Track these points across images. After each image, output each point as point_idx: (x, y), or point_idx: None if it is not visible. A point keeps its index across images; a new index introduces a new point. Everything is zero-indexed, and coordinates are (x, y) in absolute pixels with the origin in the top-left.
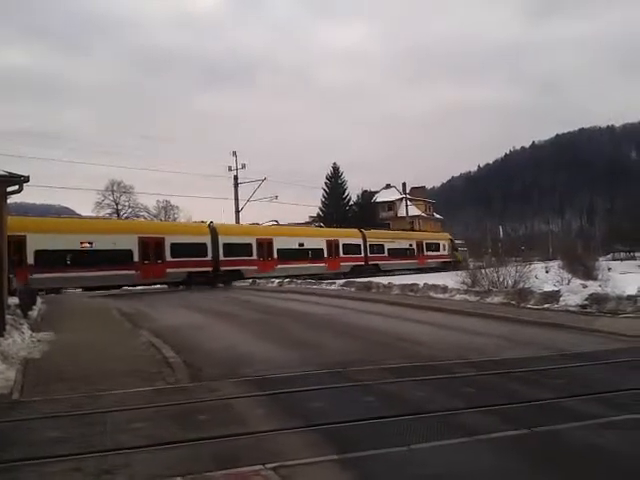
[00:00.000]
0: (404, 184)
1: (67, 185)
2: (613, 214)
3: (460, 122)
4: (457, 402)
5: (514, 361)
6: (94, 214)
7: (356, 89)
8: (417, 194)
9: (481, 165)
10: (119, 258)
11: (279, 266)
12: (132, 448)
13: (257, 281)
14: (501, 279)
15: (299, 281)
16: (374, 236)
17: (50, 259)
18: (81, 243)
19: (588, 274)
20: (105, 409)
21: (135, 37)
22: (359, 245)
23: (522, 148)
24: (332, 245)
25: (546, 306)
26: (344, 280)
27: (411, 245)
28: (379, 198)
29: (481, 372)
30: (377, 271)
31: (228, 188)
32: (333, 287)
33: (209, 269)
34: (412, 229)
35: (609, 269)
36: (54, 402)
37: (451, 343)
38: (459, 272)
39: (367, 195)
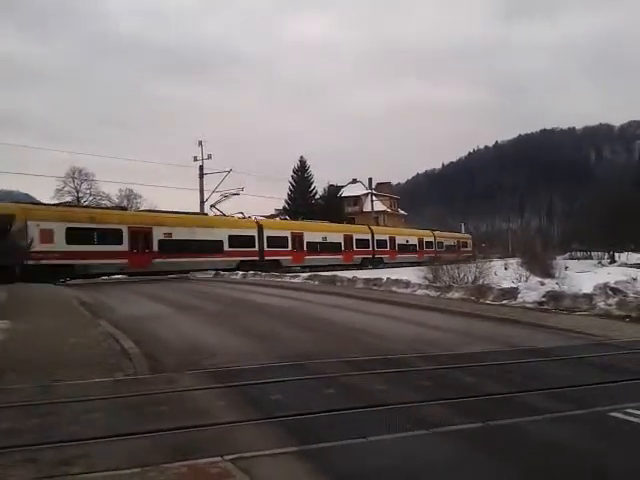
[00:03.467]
0: (370, 179)
1: (27, 171)
2: (572, 214)
3: (426, 120)
4: (415, 395)
5: (471, 355)
6: (55, 201)
7: (324, 83)
8: (383, 190)
9: (445, 163)
10: (214, 247)
11: (307, 257)
12: (90, 439)
13: (221, 273)
14: (462, 275)
15: (263, 274)
16: (380, 232)
17: (168, 247)
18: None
19: (546, 272)
20: (61, 400)
21: (94, 23)
22: (368, 240)
23: (486, 147)
24: (347, 239)
25: (504, 302)
26: (309, 273)
27: (408, 241)
28: (345, 193)
29: (439, 366)
30: (379, 263)
31: (193, 178)
32: (297, 280)
33: (256, 258)
34: (377, 224)
35: (566, 268)
36: (7, 392)
37: (411, 337)
38: (422, 267)
39: (333, 189)
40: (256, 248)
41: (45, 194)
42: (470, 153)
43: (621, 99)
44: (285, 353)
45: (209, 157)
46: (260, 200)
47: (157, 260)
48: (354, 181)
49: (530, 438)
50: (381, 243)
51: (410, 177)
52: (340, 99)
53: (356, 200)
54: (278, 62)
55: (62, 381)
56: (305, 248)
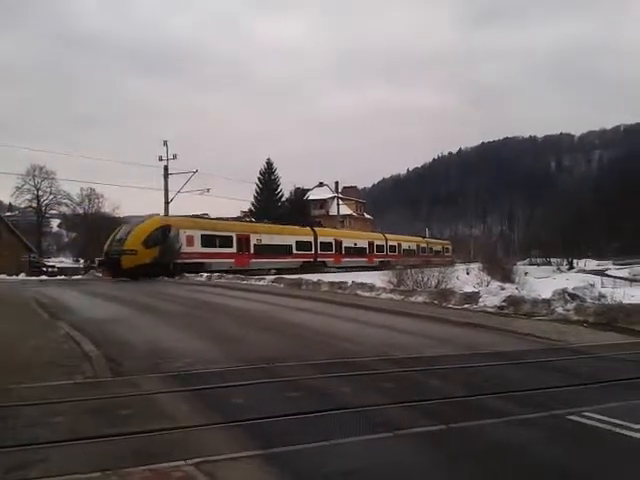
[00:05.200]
0: (336, 183)
1: None
2: (532, 221)
3: (393, 124)
4: (379, 398)
5: (435, 358)
6: (14, 199)
7: (291, 85)
8: (349, 194)
9: (410, 168)
10: (286, 251)
11: (344, 259)
12: (48, 443)
13: (185, 275)
14: (425, 279)
15: (229, 276)
16: (392, 239)
17: (262, 250)
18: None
19: (506, 277)
20: (19, 403)
21: (58, 17)
22: (383, 245)
23: (450, 154)
24: (370, 245)
25: (466, 306)
26: (274, 276)
27: (410, 247)
28: (311, 196)
29: (402, 369)
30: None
31: (158, 178)
32: (262, 283)
33: (312, 260)
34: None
35: (526, 273)
36: None
37: (375, 340)
38: (386, 272)
39: (300, 192)
40: (312, 251)
41: (3, 192)
42: (435, 159)
43: (581, 109)
44: (249, 356)
45: (174, 157)
46: (226, 201)
47: (253, 260)
48: (321, 184)
49: (489, 440)
50: (393, 248)
51: (376, 182)
52: (308, 102)
53: (322, 203)
54: (247, 63)
55: (21, 384)
56: (343, 252)
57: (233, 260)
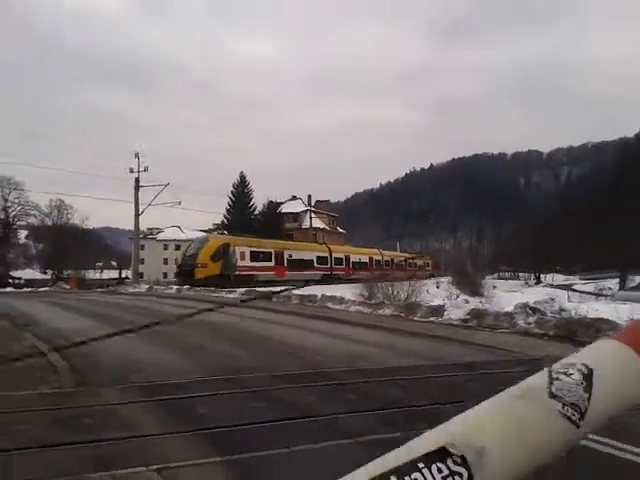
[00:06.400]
0: (309, 196)
1: None
2: (501, 236)
3: (365, 140)
4: (341, 407)
5: (398, 369)
6: None
7: (264, 101)
8: (322, 207)
9: (383, 183)
10: (310, 264)
11: (351, 272)
12: (13, 450)
13: (154, 287)
14: (395, 292)
15: (198, 288)
16: (386, 255)
17: (293, 264)
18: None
19: (475, 291)
20: None
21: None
22: (380, 260)
23: (422, 169)
24: (370, 260)
25: (431, 319)
26: (245, 289)
27: (400, 261)
28: (284, 209)
29: (366, 379)
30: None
31: (129, 190)
32: (233, 296)
33: (329, 273)
34: (316, 242)
35: (494, 287)
36: None
37: (343, 352)
38: (358, 285)
39: (273, 206)
40: (328, 265)
41: None
42: (407, 174)
43: (550, 127)
44: (216, 368)
45: (145, 169)
46: (198, 214)
47: (287, 272)
48: (294, 198)
49: None
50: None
51: (349, 196)
52: (282, 118)
53: (295, 217)
54: (220, 80)
55: None
56: (351, 266)
57: (273, 272)
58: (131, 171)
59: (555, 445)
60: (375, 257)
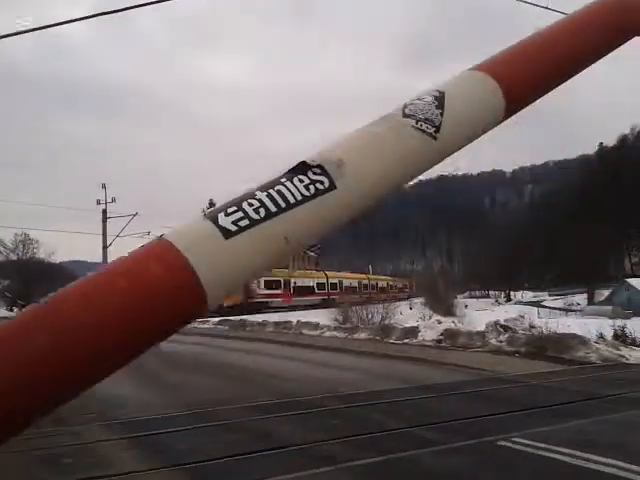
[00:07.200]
0: None
1: None
2: (469, 255)
3: None
4: (321, 434)
5: (376, 393)
6: None
7: (233, 123)
8: None
9: None
10: (310, 290)
11: (344, 296)
12: None
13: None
14: (370, 316)
15: None
16: (372, 279)
17: (298, 290)
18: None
19: (448, 311)
20: None
21: None
22: (367, 284)
23: None
24: (359, 284)
25: (406, 341)
26: (219, 318)
27: (383, 285)
28: None
29: (345, 405)
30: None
31: (97, 222)
32: (206, 325)
33: (326, 297)
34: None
35: (466, 306)
36: None
37: (320, 378)
38: (332, 309)
39: None
40: (326, 290)
41: None
42: None
43: (512, 146)
44: (192, 401)
45: (113, 200)
46: None
47: (294, 298)
48: None
49: (425, 469)
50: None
51: None
52: (250, 139)
53: None
54: (188, 102)
55: None
56: (343, 290)
57: (282, 299)
58: (98, 203)
59: (416, 157)
60: (363, 281)
